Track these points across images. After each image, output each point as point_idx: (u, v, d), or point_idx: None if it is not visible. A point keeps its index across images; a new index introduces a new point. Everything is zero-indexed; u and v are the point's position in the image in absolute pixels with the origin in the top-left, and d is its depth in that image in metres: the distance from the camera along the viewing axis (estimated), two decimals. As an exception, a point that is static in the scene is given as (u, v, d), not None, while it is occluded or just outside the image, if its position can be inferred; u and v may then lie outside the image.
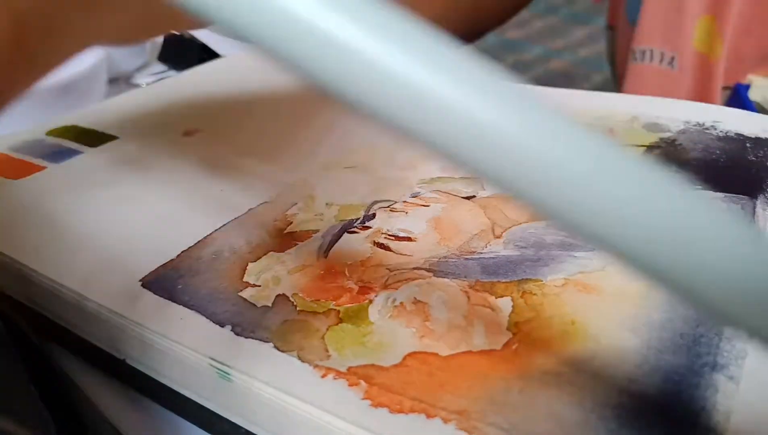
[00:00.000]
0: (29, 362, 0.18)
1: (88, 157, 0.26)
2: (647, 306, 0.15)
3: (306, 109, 0.29)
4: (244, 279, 0.18)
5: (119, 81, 0.46)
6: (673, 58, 0.38)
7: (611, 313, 0.15)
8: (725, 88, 0.37)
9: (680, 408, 0.13)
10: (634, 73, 0.40)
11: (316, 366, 0.14)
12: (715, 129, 0.24)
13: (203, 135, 0.27)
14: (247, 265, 0.18)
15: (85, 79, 0.37)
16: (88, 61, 0.39)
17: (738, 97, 0.33)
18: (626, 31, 0.41)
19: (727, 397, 0.13)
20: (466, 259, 0.18)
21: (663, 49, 0.39)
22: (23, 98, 0.34)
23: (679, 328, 0.15)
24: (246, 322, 0.16)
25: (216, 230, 0.20)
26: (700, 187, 0.20)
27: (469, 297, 0.16)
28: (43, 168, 0.25)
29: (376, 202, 0.21)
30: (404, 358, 0.14)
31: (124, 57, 0.45)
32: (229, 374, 0.15)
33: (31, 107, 0.34)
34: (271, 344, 0.15)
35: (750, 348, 0.14)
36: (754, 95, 0.32)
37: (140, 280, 0.18)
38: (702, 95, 0.37)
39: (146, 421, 0.18)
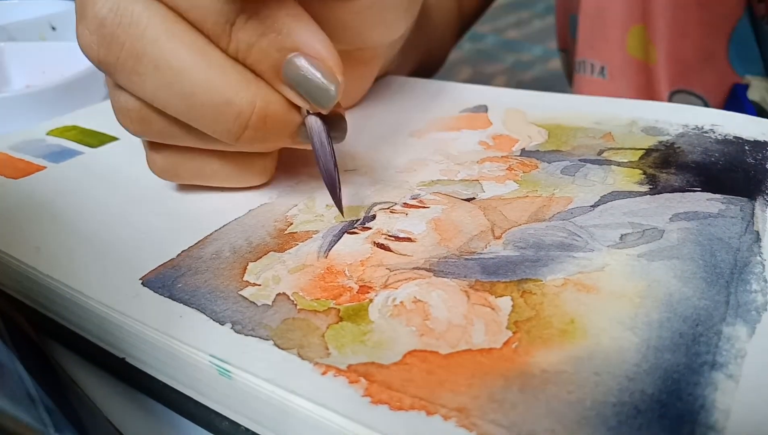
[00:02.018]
0: (28, 361, 0.18)
1: (89, 158, 0.26)
2: (646, 305, 0.16)
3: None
4: (245, 278, 0.18)
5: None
6: (602, 68, 0.40)
7: (610, 313, 0.15)
8: (675, 92, 0.38)
9: (680, 406, 0.13)
10: (577, 82, 0.42)
11: (316, 364, 0.14)
12: (714, 132, 0.24)
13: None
14: (248, 264, 0.18)
15: (85, 79, 0.37)
16: (88, 61, 0.39)
17: (736, 97, 0.33)
18: (573, 50, 0.42)
19: (727, 396, 0.13)
20: (466, 259, 0.18)
21: (593, 60, 0.40)
22: (24, 98, 0.34)
23: (678, 327, 0.15)
24: (246, 320, 0.16)
25: (216, 230, 0.20)
26: (699, 189, 0.20)
27: (468, 296, 0.16)
28: (44, 168, 0.25)
29: (376, 203, 0.21)
30: (404, 356, 0.14)
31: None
32: (229, 372, 0.15)
33: (32, 107, 0.34)
34: (272, 342, 0.15)
35: (749, 347, 0.14)
36: (752, 95, 0.32)
37: (140, 279, 0.18)
38: (646, 99, 0.38)
39: (146, 419, 0.18)
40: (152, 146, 0.21)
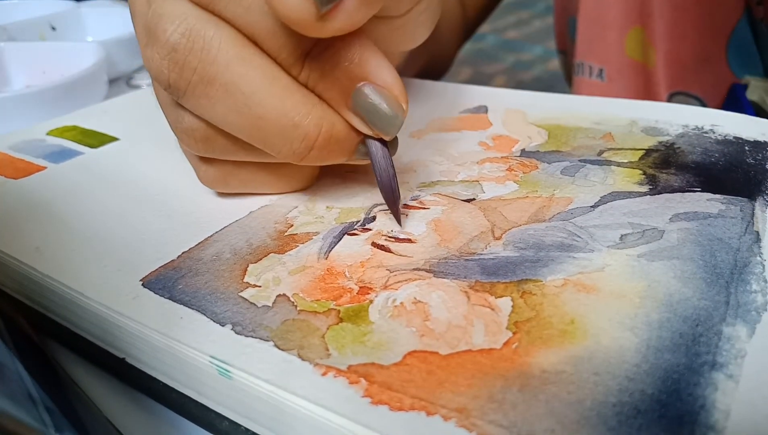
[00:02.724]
0: (29, 360, 0.18)
1: (89, 158, 0.26)
2: (646, 305, 0.16)
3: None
4: (245, 279, 0.18)
5: (119, 81, 0.46)
6: (601, 71, 0.40)
7: (610, 313, 0.15)
8: (674, 94, 0.38)
9: (680, 406, 0.13)
10: (576, 84, 0.42)
11: (316, 364, 0.14)
12: (714, 132, 0.24)
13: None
14: (248, 265, 0.18)
15: (85, 79, 0.37)
16: (88, 61, 0.39)
17: (735, 98, 0.33)
18: (572, 52, 0.43)
19: (727, 396, 0.13)
20: (466, 260, 0.18)
21: (591, 63, 0.40)
22: (24, 98, 0.34)
23: (678, 327, 0.15)
24: (246, 321, 0.16)
25: (217, 232, 0.20)
26: (699, 189, 0.20)
27: (468, 297, 0.16)
28: (44, 168, 0.25)
29: (376, 205, 0.21)
30: (404, 357, 0.15)
31: (125, 58, 0.46)
32: (229, 372, 0.15)
33: (32, 107, 0.34)
34: (272, 343, 0.15)
35: (749, 347, 0.14)
36: (751, 95, 0.32)
37: (141, 280, 0.18)
38: (642, 99, 0.38)
39: (146, 419, 0.18)
40: (203, 159, 0.22)
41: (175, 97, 0.19)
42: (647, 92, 0.38)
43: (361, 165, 0.24)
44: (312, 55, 0.18)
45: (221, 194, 0.22)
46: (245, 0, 0.17)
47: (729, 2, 0.33)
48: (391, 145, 0.20)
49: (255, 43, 0.18)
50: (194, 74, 0.18)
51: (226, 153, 0.20)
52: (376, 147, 0.19)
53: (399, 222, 0.20)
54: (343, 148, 0.19)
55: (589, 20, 0.39)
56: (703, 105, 0.37)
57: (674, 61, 0.36)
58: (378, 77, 0.18)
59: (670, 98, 0.38)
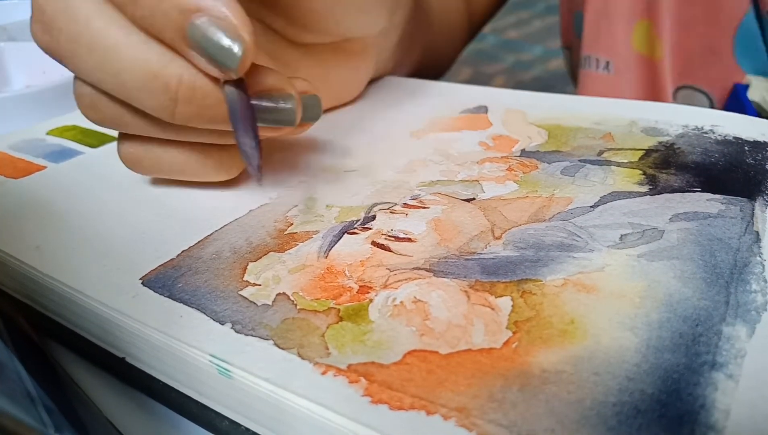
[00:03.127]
0: (29, 359, 0.18)
1: (89, 157, 0.26)
2: (646, 305, 0.16)
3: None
4: (245, 278, 0.18)
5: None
6: (608, 63, 0.40)
7: (610, 313, 0.15)
8: (680, 87, 0.38)
9: (679, 406, 0.13)
10: (583, 78, 0.42)
11: (316, 363, 0.14)
12: (714, 133, 0.24)
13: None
14: (248, 264, 0.18)
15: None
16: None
17: (737, 97, 0.33)
18: (578, 47, 0.43)
19: (727, 395, 0.13)
20: (466, 259, 0.18)
21: (598, 56, 0.40)
22: (24, 98, 0.34)
23: (678, 327, 0.15)
24: (246, 320, 0.16)
25: (216, 230, 0.20)
26: (699, 190, 0.20)
27: (468, 296, 0.16)
28: (44, 167, 0.25)
29: (376, 204, 0.21)
30: (404, 356, 0.15)
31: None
32: (229, 371, 0.15)
33: (32, 107, 0.34)
34: (272, 342, 0.15)
35: (749, 347, 0.14)
36: (752, 95, 0.32)
37: (140, 279, 0.18)
38: (651, 95, 0.38)
39: (146, 419, 0.18)
40: (120, 137, 0.22)
41: (53, 58, 0.19)
42: (654, 86, 0.38)
43: (360, 164, 0.24)
44: None
45: (222, 193, 0.22)
46: None
47: None
48: (308, 108, 0.20)
49: None
50: (62, 34, 0.18)
51: (117, 121, 0.20)
52: (229, 93, 0.18)
53: (258, 179, 0.20)
54: (213, 103, 0.18)
55: (596, 13, 0.39)
56: (710, 99, 0.37)
57: (681, 54, 0.36)
58: (212, 8, 0.17)
59: (677, 92, 0.38)
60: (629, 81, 0.39)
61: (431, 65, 0.43)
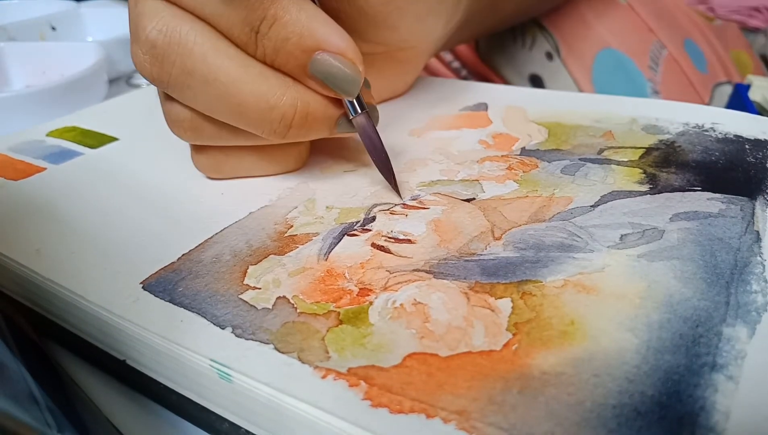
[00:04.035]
0: (31, 361, 0.18)
1: (88, 159, 0.26)
2: (646, 306, 0.15)
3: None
4: (245, 281, 0.18)
5: (119, 81, 0.46)
6: None
7: (610, 314, 0.15)
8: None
9: (680, 408, 0.13)
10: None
11: (316, 367, 0.14)
12: (715, 131, 0.24)
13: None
14: (248, 267, 0.18)
15: (85, 79, 0.37)
16: (88, 61, 0.39)
17: (738, 97, 0.33)
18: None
19: (727, 397, 0.13)
20: (466, 260, 0.18)
21: None
22: (24, 98, 0.34)
23: (678, 328, 0.15)
24: (246, 324, 0.16)
25: (217, 233, 0.20)
26: (699, 188, 0.20)
27: (468, 298, 0.16)
28: (44, 169, 0.25)
29: (376, 205, 0.21)
30: (404, 359, 0.15)
31: (125, 58, 0.46)
32: (229, 375, 0.15)
33: (32, 107, 0.34)
34: (272, 346, 0.15)
35: (750, 348, 0.14)
36: (754, 95, 0.32)
37: (141, 283, 0.18)
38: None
39: (146, 421, 0.18)
40: (197, 148, 0.23)
41: (160, 87, 0.20)
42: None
43: (359, 165, 0.24)
44: (262, 32, 0.19)
45: (221, 196, 0.22)
46: None
47: None
48: (372, 115, 0.21)
49: (217, 30, 0.19)
50: (174, 67, 0.19)
51: (214, 139, 0.22)
52: (362, 121, 0.21)
53: (398, 192, 0.22)
54: (322, 124, 0.21)
55: None
56: None
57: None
58: (330, 44, 0.19)
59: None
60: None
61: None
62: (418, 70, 0.30)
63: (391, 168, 0.22)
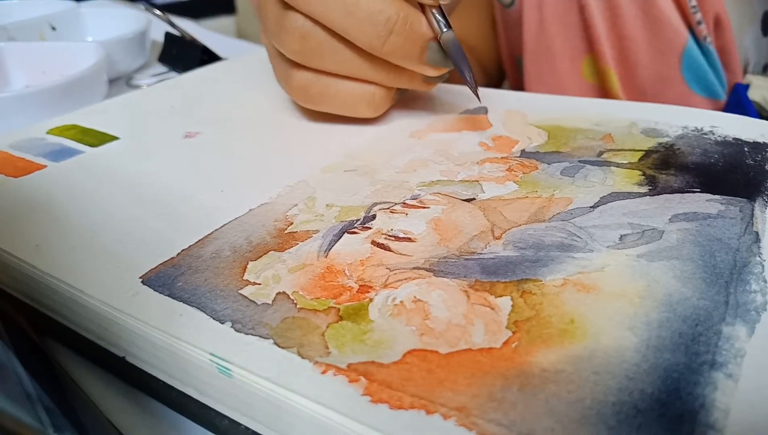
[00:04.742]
0: (28, 359, 0.18)
1: (89, 157, 0.26)
2: (646, 305, 0.16)
3: (307, 112, 0.29)
4: (245, 277, 0.18)
5: (119, 81, 0.46)
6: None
7: (610, 312, 0.15)
8: None
9: (679, 405, 0.13)
10: None
11: (316, 362, 0.14)
12: (714, 134, 0.24)
13: (204, 137, 0.27)
14: (248, 263, 0.18)
15: (85, 79, 0.37)
16: (88, 61, 0.39)
17: (737, 97, 0.34)
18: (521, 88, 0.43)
19: (726, 395, 0.13)
20: (466, 259, 0.18)
21: (546, 94, 0.40)
22: (24, 98, 0.34)
23: (677, 326, 0.15)
24: (246, 319, 0.16)
25: (216, 229, 0.20)
26: (699, 190, 0.20)
27: (468, 296, 0.16)
28: (44, 167, 0.25)
29: (376, 203, 0.21)
30: (404, 356, 0.14)
31: (124, 58, 0.46)
32: (229, 370, 0.15)
33: (32, 107, 0.34)
34: (272, 341, 0.15)
35: (749, 346, 0.14)
36: (753, 95, 0.33)
37: (140, 277, 0.18)
38: None
39: (146, 418, 0.18)
40: (295, 67, 0.26)
41: (288, 3, 0.24)
42: None
43: (360, 164, 0.24)
44: None
45: (221, 192, 0.22)
46: None
47: (673, 25, 0.34)
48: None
49: None
50: None
51: (318, 51, 0.25)
52: (448, 35, 0.24)
53: (477, 96, 0.26)
54: (417, 40, 0.24)
55: (536, 55, 0.39)
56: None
57: (633, 86, 0.37)
58: None
59: None
60: None
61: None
62: None
63: (473, 76, 0.25)
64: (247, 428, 0.15)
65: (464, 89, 0.31)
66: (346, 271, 0.18)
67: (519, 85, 0.47)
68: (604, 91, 0.37)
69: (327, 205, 0.21)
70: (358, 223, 0.20)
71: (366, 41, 0.24)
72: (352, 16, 0.23)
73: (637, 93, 0.37)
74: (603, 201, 0.20)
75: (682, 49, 0.35)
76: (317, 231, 0.20)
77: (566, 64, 0.38)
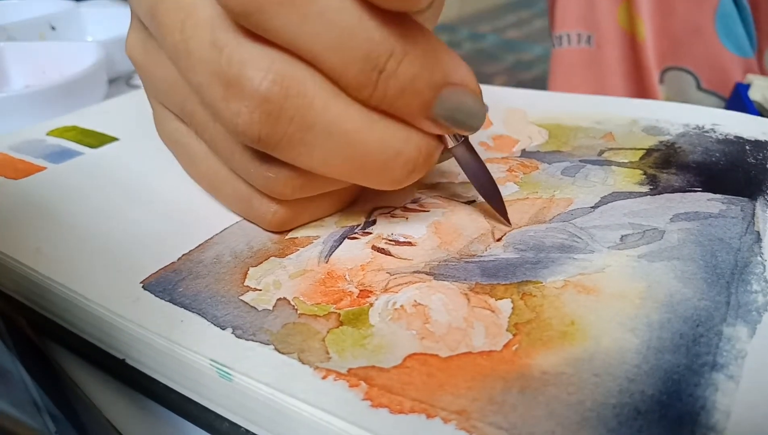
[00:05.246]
0: (30, 362, 0.18)
1: (89, 158, 0.26)
2: (646, 307, 0.16)
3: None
4: (245, 283, 0.18)
5: (119, 81, 0.46)
6: (589, 37, 0.40)
7: (611, 314, 0.15)
8: (667, 69, 0.38)
9: (680, 407, 0.13)
10: (555, 57, 0.42)
11: (316, 368, 0.14)
12: (715, 132, 0.24)
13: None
14: (249, 269, 0.18)
15: (85, 79, 0.37)
16: (88, 61, 0.39)
17: (738, 97, 0.34)
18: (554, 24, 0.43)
19: (727, 396, 0.13)
20: (466, 262, 0.18)
21: (579, 31, 0.40)
22: (24, 98, 0.34)
23: (678, 327, 0.15)
24: (247, 325, 0.16)
25: (217, 234, 0.20)
26: (700, 189, 0.20)
27: (469, 299, 0.16)
28: (44, 168, 0.25)
29: (376, 208, 0.21)
30: (404, 360, 0.15)
31: (124, 58, 0.45)
32: (230, 375, 0.15)
33: (32, 107, 0.34)
34: (272, 347, 0.15)
35: (750, 347, 0.14)
36: (753, 94, 0.32)
37: (141, 282, 0.18)
38: (635, 72, 0.39)
39: (146, 421, 0.18)
40: (276, 201, 0.20)
41: (264, 149, 0.17)
42: (638, 65, 0.39)
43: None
44: (386, 71, 0.16)
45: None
46: (314, 26, 0.15)
47: None
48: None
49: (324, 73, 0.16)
50: (291, 124, 0.16)
51: (317, 191, 0.19)
52: (465, 155, 0.19)
53: (507, 221, 0.20)
54: (433, 162, 0.18)
55: None
56: (696, 79, 0.38)
57: (665, 35, 0.37)
58: (455, 76, 0.17)
59: (664, 74, 0.38)
60: (613, 56, 0.39)
61: None
62: None
63: (500, 194, 0.20)
64: (247, 431, 0.15)
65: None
66: (347, 277, 0.18)
67: (552, 10, 0.47)
68: (632, 39, 0.38)
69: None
70: (359, 228, 0.20)
71: (381, 185, 0.18)
72: (364, 168, 0.17)
73: (668, 43, 0.37)
74: (604, 201, 0.20)
75: (718, 1, 0.35)
76: (318, 236, 0.20)
77: (606, 4, 0.38)
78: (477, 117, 0.17)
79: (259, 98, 0.16)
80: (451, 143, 0.19)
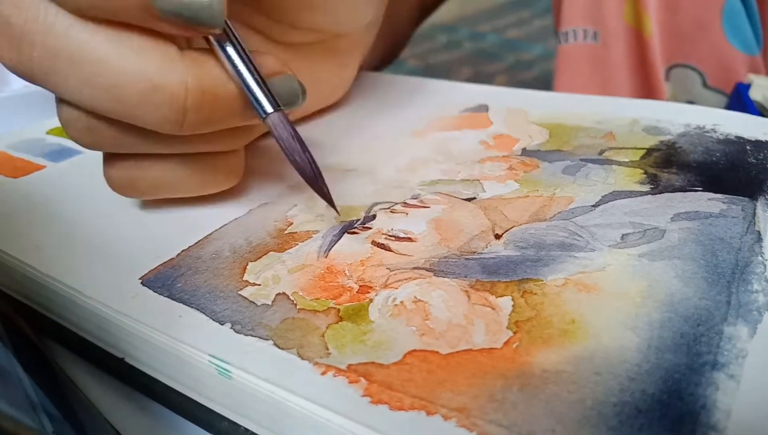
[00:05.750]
0: (28, 361, 0.18)
1: (88, 157, 0.26)
2: (647, 305, 0.15)
3: (308, 111, 0.29)
4: (244, 278, 0.18)
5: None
6: (595, 33, 0.40)
7: (611, 313, 0.15)
8: (672, 66, 0.38)
9: (681, 406, 0.13)
10: (561, 53, 0.42)
11: (315, 363, 0.14)
12: (716, 132, 0.24)
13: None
14: (247, 264, 0.18)
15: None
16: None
17: (739, 96, 0.34)
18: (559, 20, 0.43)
19: (728, 396, 0.13)
20: (467, 259, 0.18)
21: (585, 27, 0.40)
22: (23, 98, 0.34)
23: (679, 327, 0.15)
24: (246, 320, 0.16)
25: (216, 230, 0.20)
26: (701, 189, 0.20)
27: (469, 296, 0.16)
28: (43, 167, 0.25)
29: (376, 203, 0.21)
30: (404, 356, 0.14)
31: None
32: (228, 371, 0.15)
33: (31, 107, 0.34)
34: (271, 342, 0.15)
35: (751, 347, 0.14)
36: (754, 94, 0.32)
37: (140, 278, 0.18)
38: (641, 70, 0.39)
39: (145, 419, 0.17)
40: (107, 159, 0.19)
41: (29, 80, 0.17)
42: (644, 61, 0.39)
43: (360, 163, 0.24)
44: None
45: (221, 193, 0.22)
46: None
47: None
48: (285, 91, 0.18)
49: None
50: (34, 49, 0.16)
51: (119, 144, 0.18)
52: (277, 120, 0.17)
53: (334, 207, 0.19)
54: (227, 104, 0.17)
55: None
56: (702, 77, 0.38)
57: (671, 32, 0.37)
58: None
59: (669, 71, 0.38)
60: (619, 53, 0.39)
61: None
62: (356, 64, 0.29)
63: (321, 177, 0.18)
64: (246, 429, 0.15)
65: (465, 86, 0.31)
66: (346, 272, 0.18)
67: (557, 7, 0.47)
68: (639, 36, 0.38)
69: (327, 206, 0.21)
70: (359, 223, 0.20)
71: (157, 127, 0.17)
72: (120, 102, 0.16)
73: (674, 39, 0.37)
74: (604, 200, 0.20)
75: None
76: (317, 231, 0.20)
77: (612, 1, 0.38)
78: (207, 7, 0.15)
79: (2, 23, 0.16)
80: (261, 114, 0.17)
